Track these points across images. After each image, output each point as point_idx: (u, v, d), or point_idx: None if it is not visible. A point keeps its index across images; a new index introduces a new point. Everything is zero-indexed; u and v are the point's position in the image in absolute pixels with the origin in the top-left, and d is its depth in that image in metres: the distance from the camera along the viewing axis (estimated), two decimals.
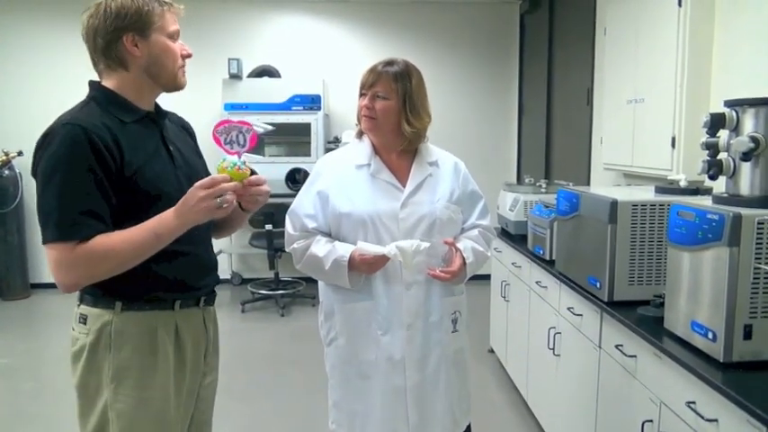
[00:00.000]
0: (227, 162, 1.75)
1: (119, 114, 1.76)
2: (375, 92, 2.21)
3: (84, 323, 1.78)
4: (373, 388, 2.24)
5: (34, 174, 1.70)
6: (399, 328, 2.21)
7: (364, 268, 2.14)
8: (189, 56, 1.89)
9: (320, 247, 2.21)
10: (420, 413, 2.26)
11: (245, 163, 1.77)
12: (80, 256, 1.64)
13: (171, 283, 1.84)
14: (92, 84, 1.83)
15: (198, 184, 1.68)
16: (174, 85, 1.88)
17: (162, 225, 1.70)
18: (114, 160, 1.68)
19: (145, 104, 1.85)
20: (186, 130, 2.08)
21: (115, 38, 1.74)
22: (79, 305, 1.82)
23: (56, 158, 1.64)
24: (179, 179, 1.84)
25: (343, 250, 2.15)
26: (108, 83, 1.81)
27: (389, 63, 2.24)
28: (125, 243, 1.68)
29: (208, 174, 1.93)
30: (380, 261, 2.12)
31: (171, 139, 1.91)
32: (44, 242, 1.67)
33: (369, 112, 2.22)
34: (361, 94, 2.24)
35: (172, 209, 1.70)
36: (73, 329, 1.82)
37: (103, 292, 1.76)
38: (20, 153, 6.30)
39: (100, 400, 1.77)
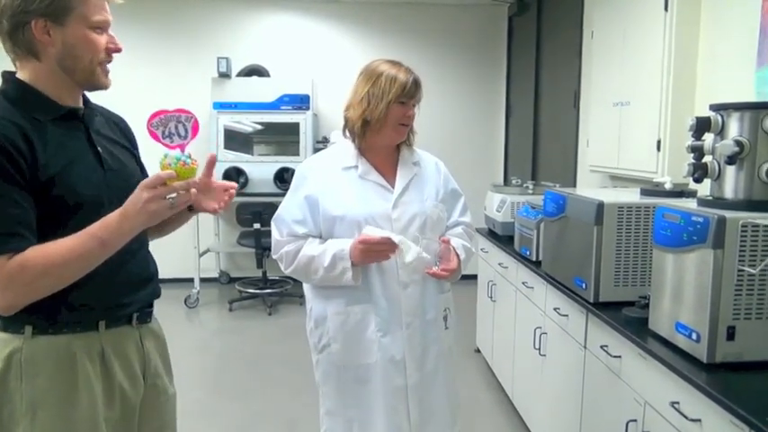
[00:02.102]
0: (170, 158, 1.52)
1: (33, 112, 1.53)
2: (416, 101, 2.24)
3: None
4: (372, 391, 2.23)
5: None
6: (398, 327, 2.22)
7: (369, 256, 2.11)
8: (117, 51, 1.63)
9: (314, 246, 2.19)
10: (421, 411, 2.27)
11: (190, 156, 1.55)
12: (14, 272, 1.42)
13: (91, 301, 1.60)
14: (4, 75, 1.60)
15: (142, 183, 1.47)
16: (92, 84, 1.62)
17: (107, 230, 1.49)
18: (26, 163, 1.46)
19: (67, 99, 1.60)
20: (119, 126, 1.84)
21: (23, 21, 1.49)
22: None
23: None
24: (109, 183, 1.62)
25: (342, 244, 2.13)
26: (22, 74, 1.57)
27: (410, 69, 2.24)
28: (68, 253, 1.46)
29: (146, 174, 1.78)
30: (386, 247, 2.08)
31: (100, 138, 1.68)
32: None
33: (411, 121, 2.24)
34: (400, 103, 2.18)
35: (117, 211, 1.49)
36: None
37: (11, 315, 1.51)
38: None
39: (16, 431, 1.55)
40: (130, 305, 1.72)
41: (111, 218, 1.49)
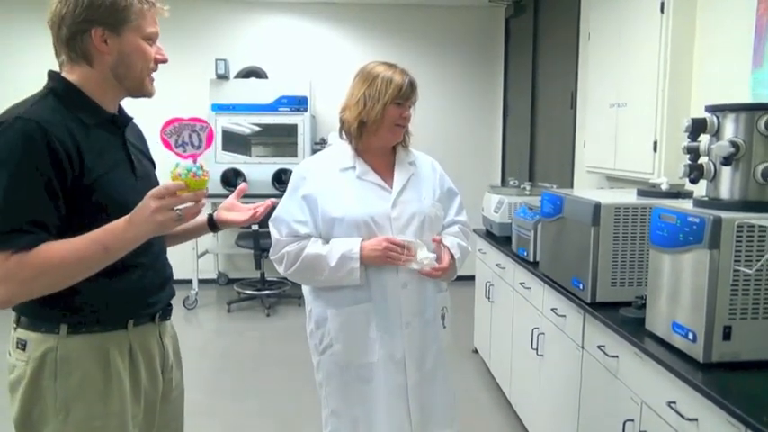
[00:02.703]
0: (182, 168, 1.50)
1: (81, 114, 1.58)
2: (411, 102, 2.26)
3: (24, 349, 1.58)
4: (375, 390, 2.24)
5: None
6: (399, 326, 2.23)
7: (387, 258, 2.14)
8: (164, 61, 1.71)
9: (318, 246, 2.19)
10: (421, 410, 2.28)
11: (201, 167, 1.52)
12: (13, 268, 1.44)
13: (123, 300, 1.66)
14: (52, 74, 1.63)
15: (151, 193, 1.48)
16: (140, 92, 1.69)
17: (113, 236, 1.50)
18: (72, 165, 1.50)
19: (109, 106, 1.67)
20: (141, 137, 1.91)
21: (82, 30, 1.56)
22: (16, 328, 1.62)
23: (3, 156, 1.45)
24: (139, 191, 1.61)
25: (350, 244, 2.15)
26: (69, 76, 1.62)
27: (405, 71, 2.25)
28: (68, 255, 1.47)
29: (158, 183, 1.79)
30: (404, 252, 2.14)
31: (131, 146, 1.75)
32: None
33: (407, 122, 2.27)
34: (396, 104, 2.21)
35: (124, 218, 1.50)
36: (9, 354, 1.62)
37: (45, 314, 1.56)
38: None
39: (45, 430, 1.58)
40: (156, 304, 1.78)
41: (118, 225, 1.50)
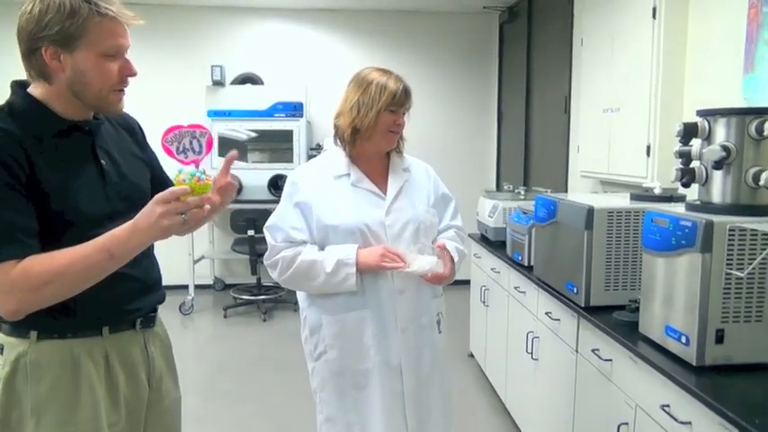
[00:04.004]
0: (185, 173, 1.53)
1: (36, 128, 1.54)
2: (405, 109, 2.26)
3: (1, 353, 1.59)
4: (370, 396, 2.23)
5: None
6: (394, 332, 2.23)
7: (383, 264, 2.15)
8: (132, 75, 1.61)
9: (314, 251, 2.18)
10: (418, 416, 2.28)
11: (204, 172, 1.55)
12: (17, 278, 1.43)
13: (95, 308, 1.61)
14: (14, 86, 1.60)
15: (156, 198, 1.48)
16: (105, 110, 1.64)
17: (117, 242, 1.49)
18: (26, 176, 1.48)
19: (74, 116, 1.61)
20: (132, 131, 1.84)
21: (34, 47, 1.50)
22: None
23: None
24: (109, 198, 1.63)
25: (346, 250, 2.15)
26: (34, 90, 1.58)
27: (399, 77, 2.25)
28: (74, 263, 1.47)
29: (146, 181, 1.80)
30: (398, 259, 2.15)
31: (106, 150, 1.68)
32: None
33: (400, 129, 2.27)
34: (390, 111, 2.20)
35: (128, 224, 1.49)
36: None
37: (18, 320, 1.52)
38: None
39: None
40: (135, 311, 1.73)
41: (122, 230, 1.50)
